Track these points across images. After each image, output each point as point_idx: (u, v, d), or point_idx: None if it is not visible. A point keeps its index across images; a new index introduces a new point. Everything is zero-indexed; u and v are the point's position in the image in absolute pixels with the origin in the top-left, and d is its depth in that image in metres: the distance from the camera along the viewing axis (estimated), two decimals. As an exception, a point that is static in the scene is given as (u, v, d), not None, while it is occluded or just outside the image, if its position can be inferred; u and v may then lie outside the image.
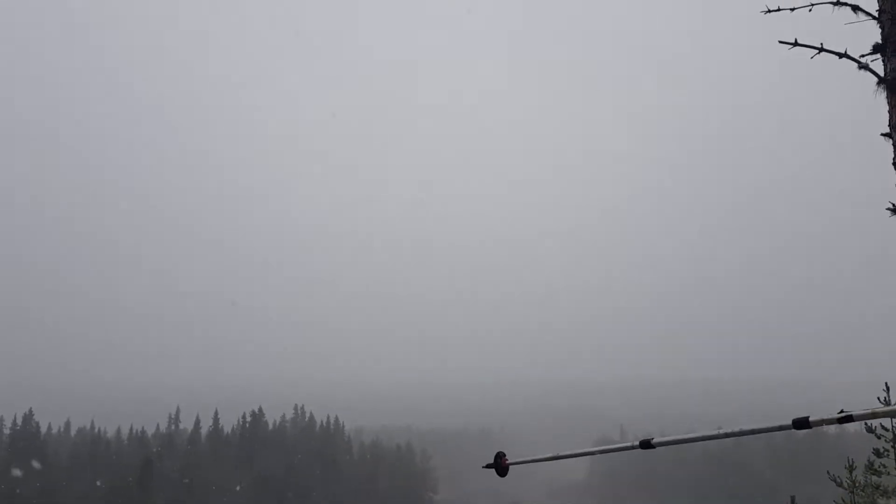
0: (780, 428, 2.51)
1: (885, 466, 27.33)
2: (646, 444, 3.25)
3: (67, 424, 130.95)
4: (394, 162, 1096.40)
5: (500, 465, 4.19)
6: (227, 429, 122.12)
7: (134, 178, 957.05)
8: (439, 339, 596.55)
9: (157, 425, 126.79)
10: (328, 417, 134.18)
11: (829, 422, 2.23)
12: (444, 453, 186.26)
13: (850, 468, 28.62)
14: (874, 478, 27.75)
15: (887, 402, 27.04)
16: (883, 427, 27.42)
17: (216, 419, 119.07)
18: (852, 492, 28.22)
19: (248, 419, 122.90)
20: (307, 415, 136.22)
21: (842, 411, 2.26)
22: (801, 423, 2.39)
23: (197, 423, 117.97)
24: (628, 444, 3.34)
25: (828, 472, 30.36)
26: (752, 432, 2.76)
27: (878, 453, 27.46)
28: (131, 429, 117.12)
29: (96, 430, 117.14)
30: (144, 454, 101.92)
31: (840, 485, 28.70)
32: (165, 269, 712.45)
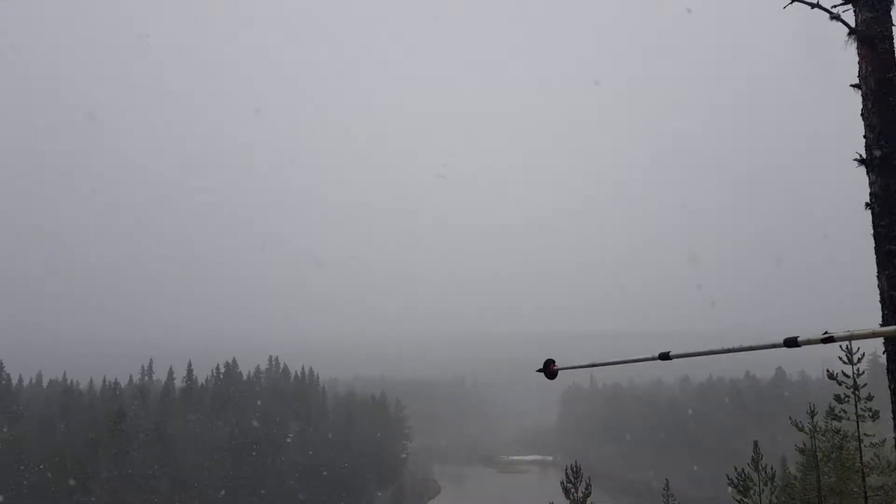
0: (774, 346, 2.93)
1: (844, 412, 28.36)
2: (664, 356, 3.77)
3: (39, 376, 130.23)
4: (376, 132, 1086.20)
5: (549, 370, 4.79)
6: (201, 380, 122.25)
7: (110, 133, 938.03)
8: (412, 295, 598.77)
9: (130, 377, 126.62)
10: (303, 368, 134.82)
11: (814, 342, 2.58)
12: (418, 403, 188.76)
13: (812, 414, 29.70)
14: (834, 423, 28.83)
15: (849, 351, 27.85)
16: (844, 374, 28.37)
17: (190, 370, 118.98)
18: (813, 436, 29.30)
19: (222, 370, 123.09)
20: (281, 366, 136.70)
21: (826, 332, 2.59)
22: (791, 342, 2.80)
23: (170, 374, 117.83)
24: (649, 356, 3.85)
25: (790, 418, 31.49)
26: (751, 348, 3.17)
27: (838, 399, 28.48)
28: (104, 380, 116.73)
29: (68, 381, 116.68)
30: (117, 405, 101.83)
31: (801, 429, 29.79)
32: (140, 223, 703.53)
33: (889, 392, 6.04)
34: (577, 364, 4.68)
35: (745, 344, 3.25)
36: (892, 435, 6.03)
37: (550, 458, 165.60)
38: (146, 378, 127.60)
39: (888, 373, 5.92)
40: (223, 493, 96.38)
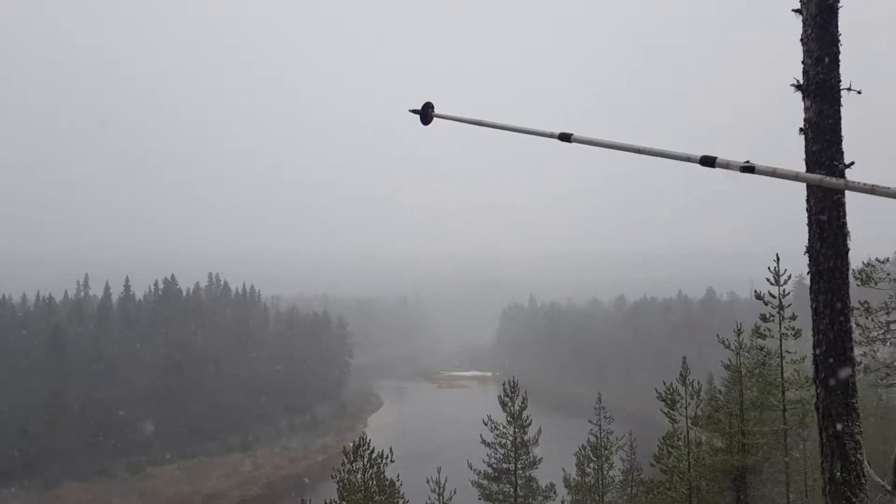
0: (689, 159, 2.67)
1: (769, 330, 29.69)
2: (565, 137, 3.40)
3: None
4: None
5: (426, 114, 4.25)
6: (139, 296, 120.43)
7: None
8: (356, 212, 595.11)
9: (66, 292, 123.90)
10: (244, 285, 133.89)
11: (734, 167, 2.45)
12: (361, 320, 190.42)
13: (738, 332, 31.01)
14: (759, 340, 30.19)
15: (777, 272, 28.94)
16: (770, 294, 29.55)
17: (127, 286, 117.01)
18: (738, 353, 30.69)
19: (161, 286, 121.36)
20: (222, 283, 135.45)
21: (747, 161, 2.47)
22: (708, 161, 2.59)
23: (107, 289, 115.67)
24: (549, 132, 3.48)
25: (717, 336, 32.84)
26: (663, 155, 2.89)
27: (764, 318, 29.74)
28: (38, 295, 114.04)
29: (1, 296, 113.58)
30: (53, 320, 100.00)
31: (728, 347, 31.15)
32: (74, 132, 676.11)
33: (811, 311, 6.33)
34: (459, 117, 4.12)
35: (657, 149, 2.85)
36: (812, 352, 6.34)
37: (489, 373, 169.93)
38: (82, 293, 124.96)
39: (811, 292, 6.19)
40: (159, 407, 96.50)
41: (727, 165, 2.48)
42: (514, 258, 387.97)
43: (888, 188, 1.90)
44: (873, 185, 1.98)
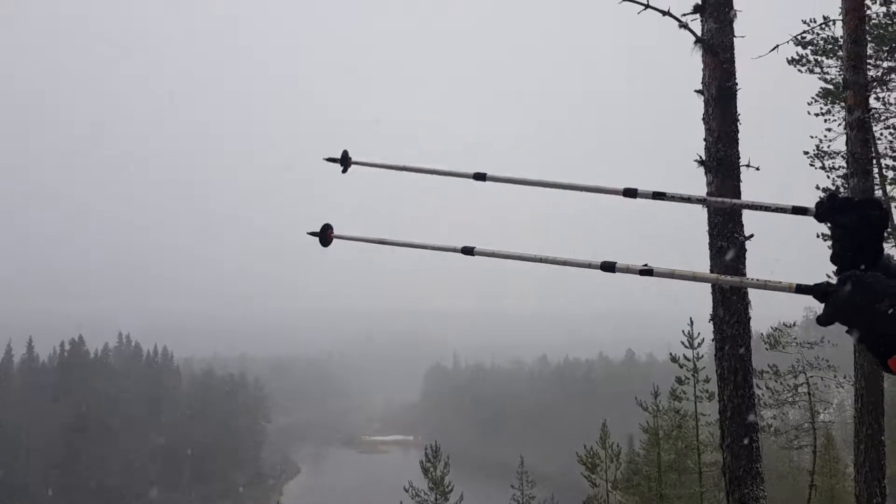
0: (590, 265, 2.69)
1: (685, 392, 30.41)
2: (467, 251, 3.38)
3: None
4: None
5: (325, 236, 4.10)
6: (43, 358, 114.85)
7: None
8: (269, 269, 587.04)
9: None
10: (155, 346, 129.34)
11: (632, 271, 2.52)
12: (280, 381, 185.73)
13: (655, 394, 31.64)
14: (675, 403, 30.86)
15: (690, 336, 29.79)
16: (685, 357, 30.37)
17: (30, 346, 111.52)
18: (655, 416, 31.25)
19: (67, 347, 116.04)
20: (133, 343, 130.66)
21: (646, 265, 2.52)
22: (608, 267, 2.63)
23: (8, 350, 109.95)
24: (452, 247, 3.47)
25: (636, 399, 33.41)
26: (566, 263, 2.82)
27: (679, 381, 30.48)
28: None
29: None
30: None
31: (646, 409, 31.69)
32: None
33: (717, 377, 6.53)
34: (359, 237, 4.11)
35: (563, 258, 2.98)
36: (718, 417, 6.51)
37: (412, 437, 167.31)
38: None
39: (716, 359, 6.40)
40: (61, 475, 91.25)
41: (627, 270, 2.57)
42: (441, 316, 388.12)
43: (780, 282, 1.97)
44: (766, 281, 2.09)
